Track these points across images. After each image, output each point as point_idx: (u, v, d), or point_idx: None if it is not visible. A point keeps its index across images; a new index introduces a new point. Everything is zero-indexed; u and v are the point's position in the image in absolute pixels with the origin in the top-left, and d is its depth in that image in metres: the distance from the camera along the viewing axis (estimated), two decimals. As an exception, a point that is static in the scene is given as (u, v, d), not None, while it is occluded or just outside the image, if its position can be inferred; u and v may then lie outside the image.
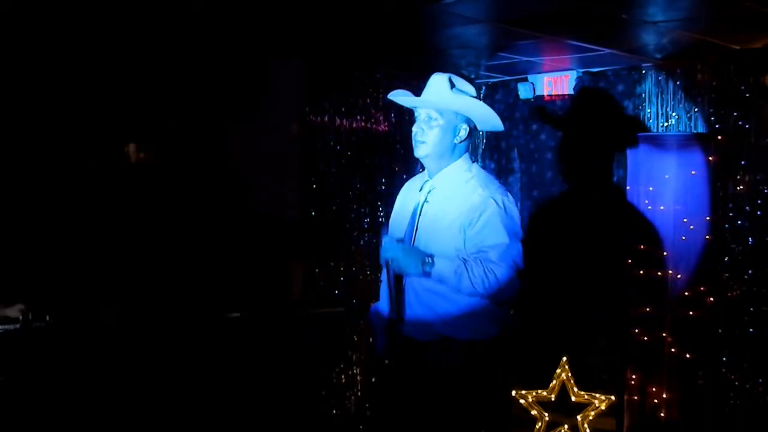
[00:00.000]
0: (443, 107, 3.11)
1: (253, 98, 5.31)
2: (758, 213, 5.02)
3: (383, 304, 3.30)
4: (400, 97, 3.23)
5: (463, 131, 3.15)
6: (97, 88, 4.63)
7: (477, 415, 3.11)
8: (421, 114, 3.16)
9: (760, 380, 4.93)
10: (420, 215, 3.13)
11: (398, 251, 3.01)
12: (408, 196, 3.27)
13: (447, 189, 3.11)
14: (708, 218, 5.04)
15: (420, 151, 3.13)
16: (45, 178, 4.48)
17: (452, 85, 3.11)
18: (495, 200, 3.03)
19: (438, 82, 3.13)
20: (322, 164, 5.65)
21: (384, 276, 3.29)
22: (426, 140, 3.11)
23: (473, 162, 3.24)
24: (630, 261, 5.23)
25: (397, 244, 3.04)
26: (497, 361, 3.15)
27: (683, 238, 5.07)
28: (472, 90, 3.19)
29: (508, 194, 3.12)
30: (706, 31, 4.55)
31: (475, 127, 3.21)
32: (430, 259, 2.96)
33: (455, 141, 3.14)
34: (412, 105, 3.20)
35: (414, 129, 3.16)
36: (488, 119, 3.20)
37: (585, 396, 5.15)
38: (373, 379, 5.70)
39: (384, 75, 5.87)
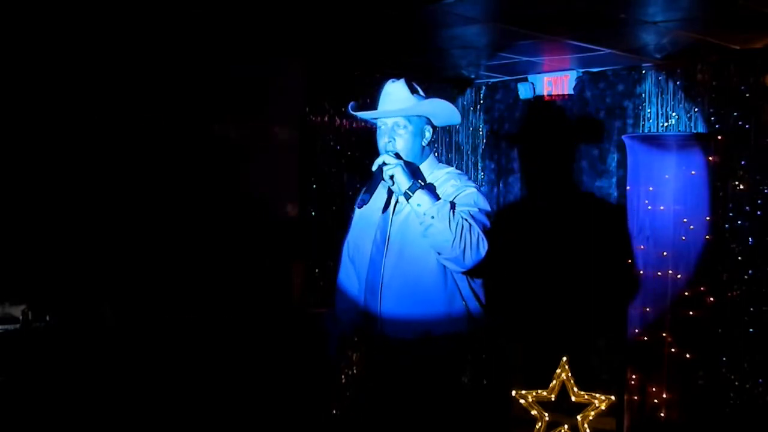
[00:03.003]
0: (412, 113, 3.12)
1: (253, 98, 5.31)
2: (758, 213, 5.02)
3: (346, 307, 3.32)
4: (365, 111, 3.22)
5: (428, 133, 3.19)
6: (98, 87, 4.64)
7: (466, 410, 3.12)
8: (387, 123, 3.15)
9: (760, 380, 4.94)
10: (393, 214, 3.14)
11: (401, 163, 3.01)
12: (376, 196, 3.25)
13: None
14: (708, 218, 5.05)
15: None
16: (45, 179, 4.48)
17: (412, 90, 3.12)
18: (471, 186, 3.09)
19: (398, 89, 3.14)
20: (322, 164, 5.65)
21: (350, 279, 3.30)
22: (397, 149, 3.12)
23: (440, 162, 3.27)
24: (630, 261, 5.23)
25: (398, 159, 3.03)
26: (477, 353, 3.15)
27: (683, 238, 5.07)
28: (422, 91, 3.20)
29: (480, 187, 3.18)
30: (706, 31, 4.55)
31: (434, 126, 3.22)
32: (421, 182, 2.98)
33: (423, 144, 3.18)
34: (382, 117, 3.18)
35: (383, 141, 3.15)
36: (449, 115, 3.24)
37: (585, 396, 5.15)
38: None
39: (384, 75, 5.86)
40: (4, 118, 4.33)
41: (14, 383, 3.97)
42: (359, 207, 3.04)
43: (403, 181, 2.97)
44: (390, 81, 3.17)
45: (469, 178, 3.19)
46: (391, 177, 2.99)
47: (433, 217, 2.88)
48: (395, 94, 3.14)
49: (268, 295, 5.28)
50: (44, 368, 4.09)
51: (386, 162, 3.01)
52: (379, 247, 3.16)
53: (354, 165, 5.77)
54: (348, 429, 5.58)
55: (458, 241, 2.86)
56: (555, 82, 5.99)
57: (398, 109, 3.12)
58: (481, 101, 6.50)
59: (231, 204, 5.21)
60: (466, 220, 2.89)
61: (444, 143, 6.54)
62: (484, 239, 2.90)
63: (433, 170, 3.18)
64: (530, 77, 6.08)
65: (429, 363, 3.07)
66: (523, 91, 6.08)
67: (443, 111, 3.19)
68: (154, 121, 4.88)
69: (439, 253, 2.94)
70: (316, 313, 5.49)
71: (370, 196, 3.05)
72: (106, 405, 4.25)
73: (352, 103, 3.28)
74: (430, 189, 3.02)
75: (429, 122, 3.18)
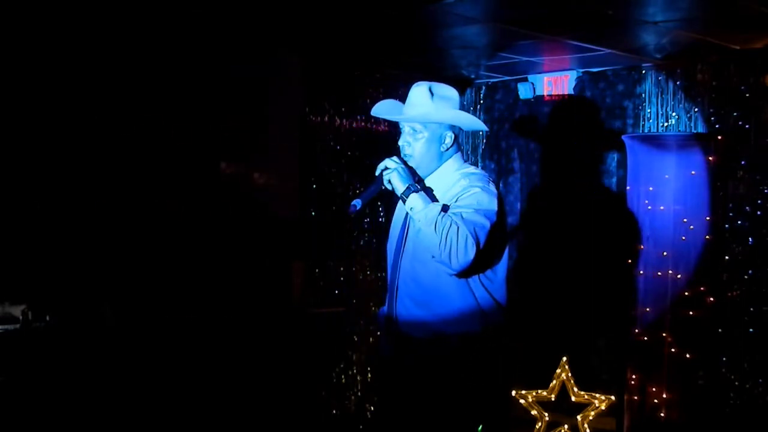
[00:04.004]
0: (425, 121, 3.13)
1: (253, 98, 5.31)
2: (758, 213, 5.02)
3: (385, 306, 3.35)
4: (383, 112, 3.28)
5: (449, 138, 3.19)
6: (98, 87, 4.63)
7: (475, 409, 3.14)
8: (405, 127, 3.19)
9: (760, 380, 4.94)
10: (410, 217, 3.16)
11: (400, 164, 3.07)
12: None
13: (436, 191, 3.17)
14: (708, 218, 5.05)
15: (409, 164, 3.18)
16: (46, 179, 4.48)
17: (432, 95, 3.13)
18: (476, 186, 3.07)
19: (419, 94, 3.16)
20: (322, 164, 5.65)
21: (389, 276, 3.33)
22: (413, 153, 3.16)
23: (465, 161, 3.27)
24: (630, 261, 5.23)
25: (399, 163, 3.09)
26: (490, 352, 3.16)
27: (683, 238, 5.07)
28: (453, 94, 3.21)
29: (492, 185, 3.13)
30: (706, 31, 4.55)
31: (461, 129, 3.23)
32: (418, 186, 3.03)
33: (441, 149, 3.19)
34: (397, 121, 3.23)
35: (400, 143, 3.21)
36: (471, 124, 3.27)
37: (585, 396, 5.15)
38: (371, 378, 5.71)
39: (384, 75, 5.88)
40: (4, 119, 4.33)
41: (14, 383, 3.97)
42: (351, 213, 3.08)
43: (399, 185, 3.03)
44: (415, 84, 3.20)
45: (484, 177, 3.17)
46: (389, 181, 3.06)
47: (420, 221, 2.96)
48: (414, 98, 3.17)
49: (268, 295, 5.28)
50: (44, 368, 4.09)
51: (387, 166, 3.08)
52: (398, 248, 3.22)
53: (354, 165, 5.77)
54: (348, 429, 5.58)
55: (444, 244, 2.89)
56: (555, 82, 5.99)
57: (411, 116, 3.15)
58: (481, 101, 6.50)
59: (231, 204, 5.21)
60: (456, 222, 2.91)
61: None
62: (474, 243, 2.90)
63: (452, 171, 3.18)
64: (530, 77, 6.08)
65: (439, 362, 3.09)
66: (523, 91, 6.08)
67: (463, 120, 3.21)
68: (154, 122, 4.88)
69: (432, 256, 2.97)
70: (316, 313, 5.50)
71: (363, 202, 3.08)
72: (106, 405, 4.25)
73: (378, 104, 3.30)
74: (427, 192, 3.06)
75: (452, 128, 3.18)
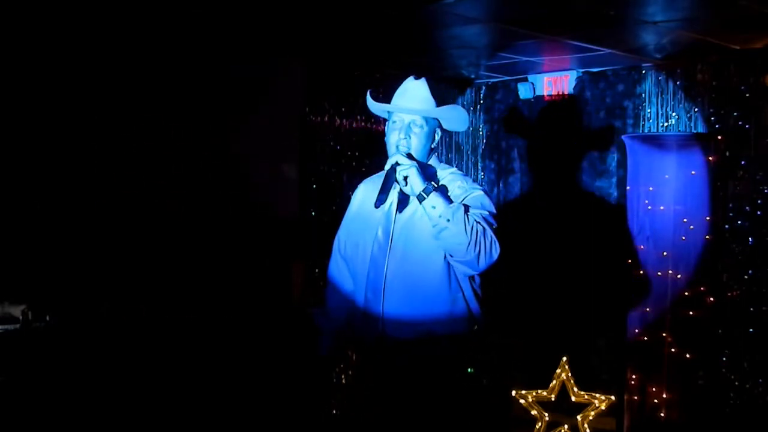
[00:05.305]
0: (432, 115, 3.13)
1: (253, 98, 5.32)
2: (758, 213, 5.02)
3: (338, 305, 3.33)
4: (385, 104, 3.22)
5: (437, 136, 3.21)
6: (98, 87, 4.64)
7: (467, 408, 3.14)
8: (403, 120, 3.13)
9: (760, 380, 4.94)
10: (396, 213, 3.13)
11: (415, 164, 2.98)
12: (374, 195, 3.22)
13: None
14: (708, 218, 5.05)
15: None
16: (46, 179, 4.48)
17: (431, 90, 3.14)
18: (478, 189, 3.10)
19: (420, 88, 3.15)
20: (322, 164, 5.65)
21: (343, 277, 3.32)
22: (409, 147, 3.11)
23: (441, 162, 3.28)
24: (630, 261, 5.23)
25: (411, 160, 3.01)
26: (478, 352, 3.17)
27: (683, 238, 5.07)
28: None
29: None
30: (706, 31, 4.55)
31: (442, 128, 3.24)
32: (434, 184, 2.97)
33: (432, 145, 3.19)
34: (405, 112, 3.15)
35: (396, 137, 3.12)
36: (460, 122, 3.27)
37: (585, 396, 5.15)
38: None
39: (384, 75, 5.87)
40: (5, 119, 4.33)
41: (14, 383, 3.97)
42: (376, 207, 3.05)
43: (417, 183, 2.94)
44: (411, 78, 3.18)
45: (474, 179, 3.22)
46: (405, 178, 2.97)
47: (448, 220, 2.87)
48: (417, 91, 3.14)
49: (268, 295, 5.28)
50: (44, 368, 4.09)
51: (399, 162, 2.98)
52: (381, 246, 3.13)
53: (354, 165, 5.77)
54: (348, 429, 5.58)
55: (473, 245, 2.86)
56: (555, 82, 5.99)
57: (422, 109, 3.12)
58: (481, 101, 6.50)
59: (231, 204, 5.21)
60: (479, 223, 2.90)
61: (444, 143, 6.54)
62: (497, 242, 2.93)
63: (438, 169, 3.18)
64: (530, 77, 6.08)
65: (430, 363, 3.08)
66: (523, 91, 6.08)
67: (457, 118, 3.22)
68: (155, 121, 4.88)
69: (451, 256, 2.94)
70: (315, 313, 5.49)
71: (386, 196, 3.04)
72: (106, 405, 4.25)
73: (370, 90, 3.27)
74: (443, 191, 3.00)
75: (440, 125, 3.19)
